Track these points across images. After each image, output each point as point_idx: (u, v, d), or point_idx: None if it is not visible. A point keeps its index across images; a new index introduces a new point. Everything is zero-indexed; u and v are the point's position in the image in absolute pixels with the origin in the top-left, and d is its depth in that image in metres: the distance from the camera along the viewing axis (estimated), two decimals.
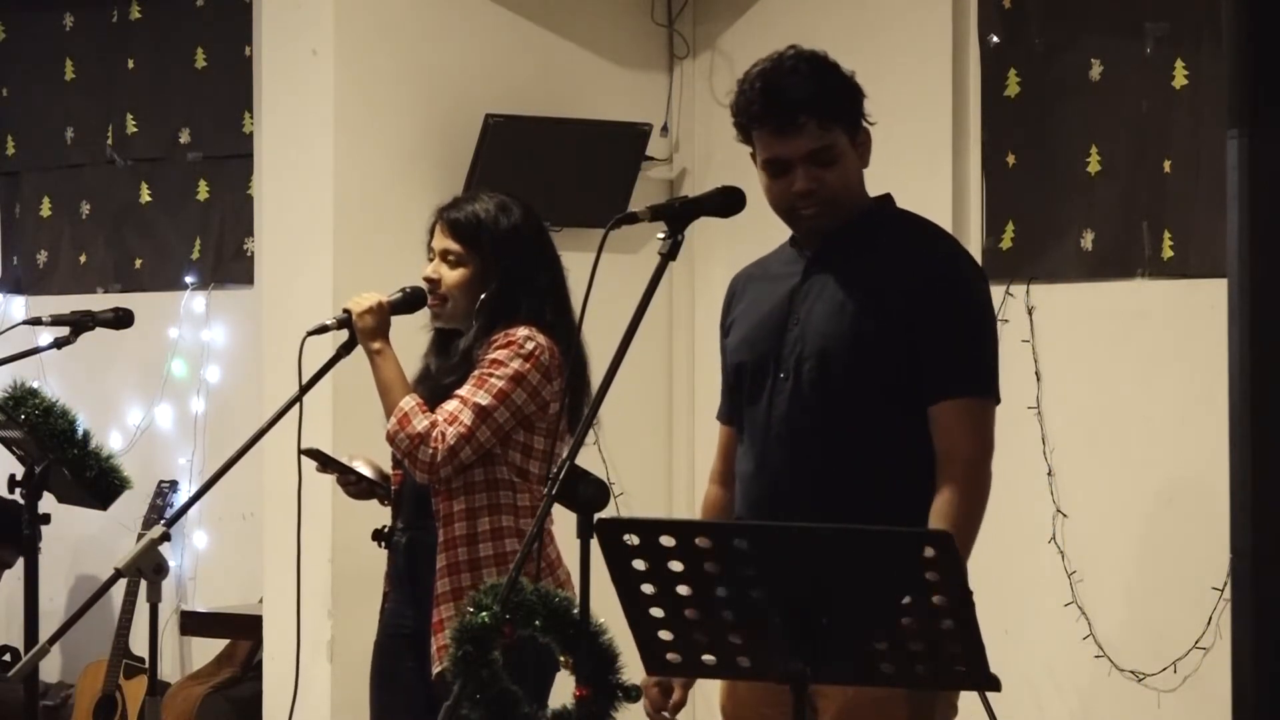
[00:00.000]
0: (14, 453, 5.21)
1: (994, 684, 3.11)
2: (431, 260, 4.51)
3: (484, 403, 4.36)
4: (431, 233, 4.53)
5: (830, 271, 3.70)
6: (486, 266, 4.45)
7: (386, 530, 4.58)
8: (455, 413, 4.36)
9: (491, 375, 4.37)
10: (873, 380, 3.63)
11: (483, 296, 4.45)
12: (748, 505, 3.74)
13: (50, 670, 7.48)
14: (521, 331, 4.40)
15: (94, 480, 5.15)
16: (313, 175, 6.07)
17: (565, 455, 3.31)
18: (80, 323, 5.07)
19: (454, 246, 4.47)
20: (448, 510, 4.41)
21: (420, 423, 4.36)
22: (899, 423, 3.63)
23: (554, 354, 4.41)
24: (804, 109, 3.63)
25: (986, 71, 5.99)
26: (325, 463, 4.48)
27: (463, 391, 4.39)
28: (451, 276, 4.47)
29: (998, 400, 3.70)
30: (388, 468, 4.58)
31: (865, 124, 3.72)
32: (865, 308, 3.63)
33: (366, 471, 4.53)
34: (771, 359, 3.71)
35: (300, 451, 4.37)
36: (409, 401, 4.39)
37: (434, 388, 4.46)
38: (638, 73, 6.68)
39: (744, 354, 3.78)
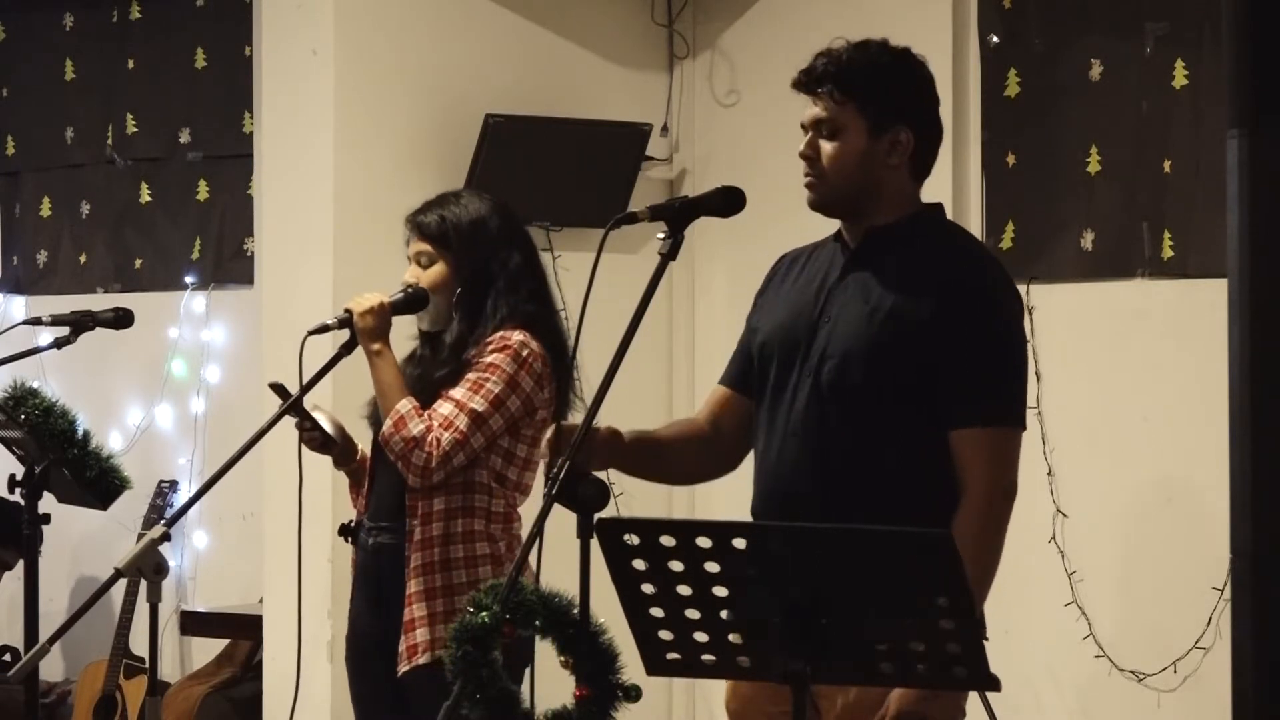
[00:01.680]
0: (14, 453, 5.21)
1: (994, 684, 3.11)
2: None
3: (480, 409, 4.37)
4: (408, 242, 4.56)
5: (867, 272, 3.67)
6: (458, 262, 4.48)
7: (353, 525, 4.58)
8: (450, 418, 4.37)
9: (488, 380, 4.39)
10: (890, 390, 3.59)
11: (458, 291, 4.47)
12: (761, 498, 3.74)
13: (53, 671, 7.48)
14: (517, 337, 4.42)
15: (94, 480, 5.15)
16: (313, 175, 6.07)
17: (565, 455, 3.30)
18: (80, 323, 5.07)
19: (424, 247, 4.51)
20: (426, 509, 4.42)
21: (416, 427, 4.37)
22: (915, 433, 3.59)
23: (545, 361, 4.44)
24: (821, 76, 3.66)
25: (986, 71, 5.99)
26: (290, 405, 4.41)
27: (457, 395, 4.39)
28: (426, 277, 4.50)
29: (1023, 427, 3.65)
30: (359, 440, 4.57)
31: (905, 125, 3.66)
32: (890, 318, 3.60)
33: (326, 425, 4.50)
34: (800, 353, 3.68)
35: (269, 385, 4.34)
36: (405, 405, 4.39)
37: (426, 382, 4.47)
38: (638, 73, 6.68)
39: (774, 342, 3.74)
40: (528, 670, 3.85)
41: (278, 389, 4.32)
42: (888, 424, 3.60)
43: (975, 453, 3.57)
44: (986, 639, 3.66)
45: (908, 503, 3.57)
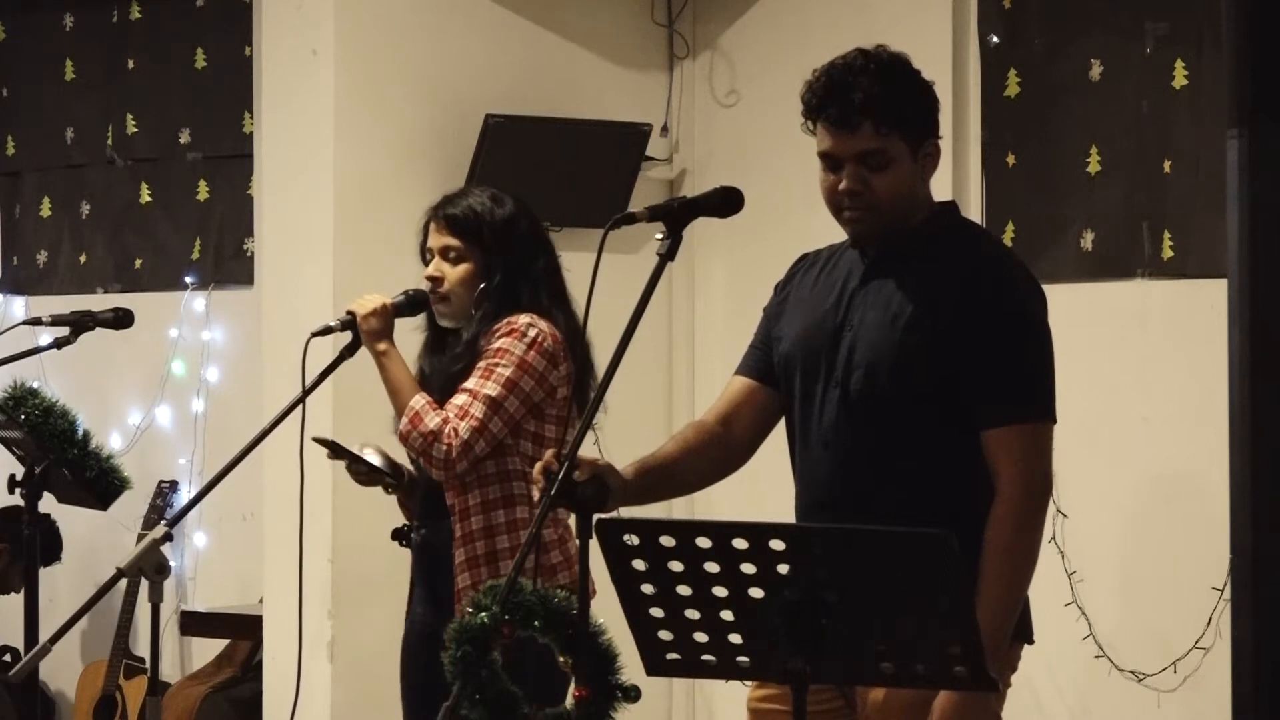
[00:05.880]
0: (14, 453, 5.22)
1: (993, 684, 3.11)
2: (430, 259, 4.52)
3: (493, 393, 4.37)
4: (425, 232, 4.54)
5: (887, 279, 3.65)
6: (488, 259, 4.47)
7: (406, 529, 4.59)
8: (465, 407, 4.36)
9: (498, 365, 4.38)
10: (918, 396, 3.58)
11: (482, 286, 4.46)
12: (801, 508, 3.73)
13: (55, 671, 7.48)
14: (523, 319, 4.41)
15: (94, 480, 5.15)
16: (313, 175, 6.07)
17: (565, 455, 3.30)
18: (80, 323, 5.07)
19: (453, 242, 4.48)
20: (462, 505, 4.42)
21: (432, 420, 4.37)
22: (947, 437, 3.58)
23: (556, 339, 4.43)
24: (861, 110, 3.57)
25: (986, 71, 5.99)
26: (336, 451, 4.48)
27: (470, 384, 4.39)
28: (454, 272, 4.49)
29: (1053, 420, 3.63)
30: (399, 456, 4.57)
31: (934, 136, 3.66)
32: (915, 322, 3.58)
33: (375, 460, 4.51)
34: (824, 363, 3.66)
35: (314, 439, 4.37)
36: (419, 400, 4.39)
37: (443, 379, 4.47)
38: (638, 73, 6.68)
39: (797, 353, 3.72)
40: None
41: (323, 442, 4.37)
42: (918, 429, 3.59)
43: (1005, 451, 3.57)
44: (1032, 642, 3.67)
45: (943, 507, 3.53)
